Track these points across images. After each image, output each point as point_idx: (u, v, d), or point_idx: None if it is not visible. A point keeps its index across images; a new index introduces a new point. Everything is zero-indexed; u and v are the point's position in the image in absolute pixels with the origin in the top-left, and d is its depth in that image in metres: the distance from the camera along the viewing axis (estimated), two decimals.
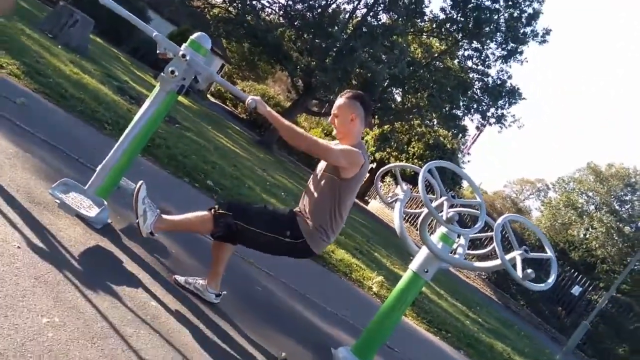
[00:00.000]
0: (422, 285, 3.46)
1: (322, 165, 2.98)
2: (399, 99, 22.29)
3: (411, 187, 4.40)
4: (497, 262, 3.16)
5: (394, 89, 21.58)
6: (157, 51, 3.00)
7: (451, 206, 3.25)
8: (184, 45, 3.00)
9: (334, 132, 3.01)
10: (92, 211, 2.75)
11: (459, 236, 3.57)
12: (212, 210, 2.82)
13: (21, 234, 2.36)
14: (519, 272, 2.95)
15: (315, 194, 2.88)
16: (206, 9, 20.90)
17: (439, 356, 5.38)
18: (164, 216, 2.86)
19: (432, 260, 3.33)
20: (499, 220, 3.05)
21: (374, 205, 24.23)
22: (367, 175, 2.93)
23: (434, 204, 3.20)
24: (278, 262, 4.55)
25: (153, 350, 2.16)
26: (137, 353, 2.07)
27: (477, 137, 31.34)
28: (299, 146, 2.77)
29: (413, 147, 27.51)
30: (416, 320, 6.09)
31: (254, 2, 20.09)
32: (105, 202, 2.93)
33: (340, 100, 2.94)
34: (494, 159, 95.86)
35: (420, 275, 3.35)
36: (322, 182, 2.88)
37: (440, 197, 3.27)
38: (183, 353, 2.28)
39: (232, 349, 2.62)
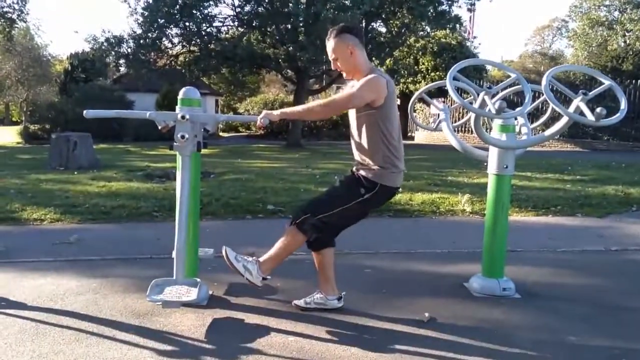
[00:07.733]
0: (510, 181, 3.37)
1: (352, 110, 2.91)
2: (383, 30, 21.73)
3: (443, 100, 4.30)
4: (565, 119, 3.04)
5: (374, 25, 21.07)
6: (159, 127, 3.03)
7: (493, 96, 3.14)
8: (177, 108, 3.02)
9: (344, 75, 2.95)
10: (192, 294, 2.82)
11: (516, 119, 3.47)
12: (292, 223, 2.86)
13: (149, 349, 2.44)
14: (590, 117, 2.83)
15: (361, 137, 2.83)
16: (172, 62, 21.00)
17: (560, 231, 5.25)
18: (261, 259, 2.91)
19: (506, 154, 3.25)
20: (543, 81, 2.92)
21: (420, 136, 23.85)
22: (398, 112, 2.87)
23: (475, 105, 3.11)
24: (367, 239, 4.55)
25: None
26: None
27: (473, 18, 30.30)
28: (325, 117, 2.84)
29: (423, 64, 26.88)
30: (522, 213, 5.98)
31: (208, 30, 19.97)
32: (199, 279, 3.00)
33: (330, 43, 2.86)
34: (500, 27, 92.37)
35: (503, 174, 3.28)
36: (361, 122, 2.82)
37: (478, 94, 3.16)
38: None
39: (375, 335, 2.63)
